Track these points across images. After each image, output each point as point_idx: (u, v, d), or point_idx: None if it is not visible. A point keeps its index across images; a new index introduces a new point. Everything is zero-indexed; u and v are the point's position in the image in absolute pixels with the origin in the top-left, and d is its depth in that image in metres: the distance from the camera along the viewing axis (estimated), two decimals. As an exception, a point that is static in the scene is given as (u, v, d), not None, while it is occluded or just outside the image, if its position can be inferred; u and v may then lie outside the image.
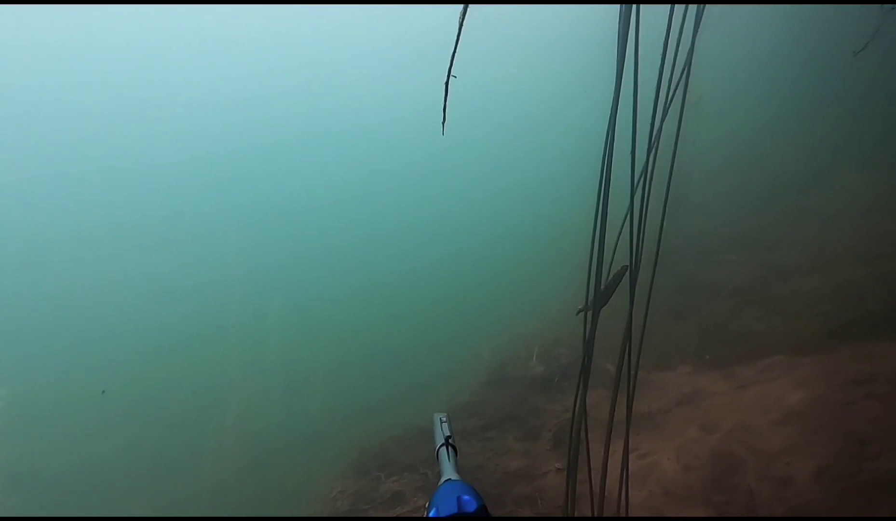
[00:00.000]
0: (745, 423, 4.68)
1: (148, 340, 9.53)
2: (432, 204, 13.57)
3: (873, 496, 3.45)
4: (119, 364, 9.00)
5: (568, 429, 3.26)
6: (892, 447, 3.62)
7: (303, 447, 6.68)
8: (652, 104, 2.91)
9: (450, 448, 1.44)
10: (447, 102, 1.57)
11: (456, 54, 1.45)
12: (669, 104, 2.86)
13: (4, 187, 11.92)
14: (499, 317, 8.64)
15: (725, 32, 9.17)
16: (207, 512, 5.74)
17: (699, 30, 2.81)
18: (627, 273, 2.97)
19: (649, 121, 2.90)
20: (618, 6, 2.57)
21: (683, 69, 2.87)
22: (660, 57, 2.76)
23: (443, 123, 1.63)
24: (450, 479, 1.28)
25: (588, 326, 3.13)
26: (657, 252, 3.13)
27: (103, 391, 7.08)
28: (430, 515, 1.13)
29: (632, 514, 3.69)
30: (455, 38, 1.42)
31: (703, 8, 2.71)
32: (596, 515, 3.39)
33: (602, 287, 3.00)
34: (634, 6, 2.37)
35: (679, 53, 2.86)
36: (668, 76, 2.88)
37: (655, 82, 2.79)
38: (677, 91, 2.91)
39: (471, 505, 1.12)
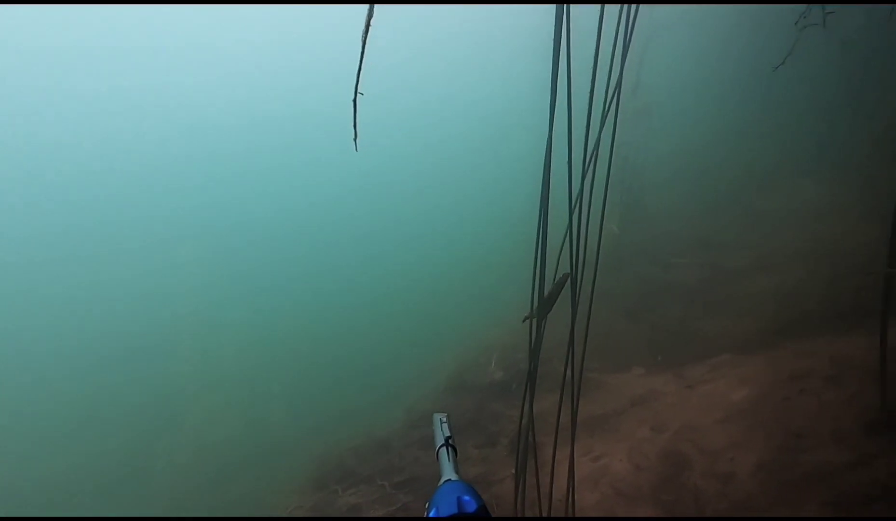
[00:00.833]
0: (693, 422, 4.84)
1: (100, 351, 9.21)
2: (390, 216, 13.62)
3: (807, 487, 3.61)
4: (70, 377, 8.68)
5: (528, 434, 3.31)
6: (823, 441, 3.81)
7: (261, 459, 6.55)
8: (595, 116, 2.99)
9: (450, 448, 1.43)
10: (357, 120, 1.58)
11: (361, 72, 1.47)
12: (605, 118, 2.96)
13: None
14: (459, 325, 8.68)
15: (671, 43, 9.54)
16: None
17: (632, 42, 2.91)
18: (569, 281, 3.03)
19: (591, 133, 2.99)
20: (552, 25, 2.64)
21: (617, 83, 2.97)
22: (594, 67, 2.84)
23: (354, 139, 1.65)
24: (450, 479, 1.27)
25: (534, 333, 3.19)
26: (597, 258, 3.21)
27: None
28: (431, 515, 1.12)
29: (579, 515, 3.76)
30: (359, 56, 1.44)
31: (633, 26, 2.82)
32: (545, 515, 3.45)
33: (545, 294, 3.06)
34: (565, 24, 2.44)
35: (613, 69, 2.96)
36: (604, 87, 2.98)
37: (588, 98, 2.87)
38: (614, 100, 3.01)
39: (471, 505, 1.12)
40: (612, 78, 2.99)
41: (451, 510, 1.11)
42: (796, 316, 5.98)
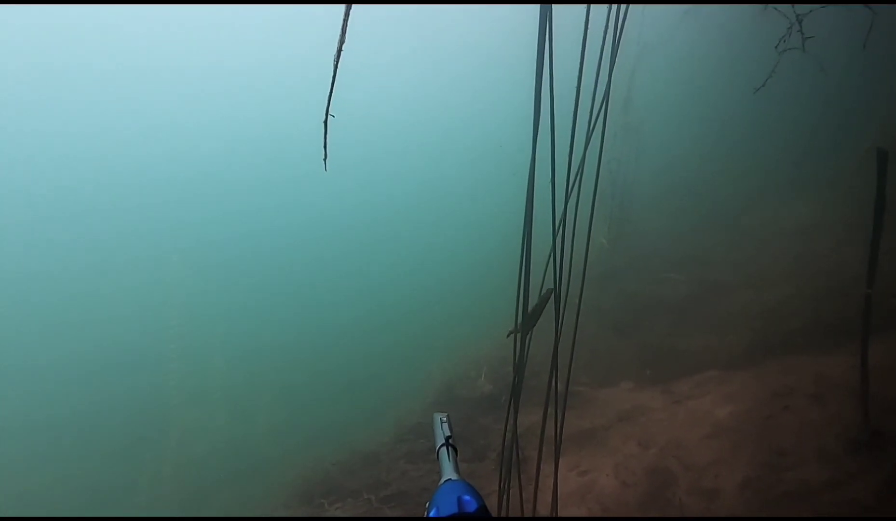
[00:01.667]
0: (679, 438, 4.85)
1: (85, 364, 9.09)
2: (379, 228, 13.64)
3: (789, 505, 3.63)
4: (55, 389, 8.56)
5: (512, 449, 3.31)
6: (805, 458, 3.84)
7: (246, 474, 6.47)
8: (581, 132, 3.04)
9: (450, 448, 1.43)
10: (327, 141, 1.61)
11: (333, 94, 1.50)
12: (590, 138, 3.01)
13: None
14: (448, 338, 8.67)
15: (662, 64, 9.71)
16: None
17: (616, 60, 2.97)
18: (552, 296, 3.06)
19: (577, 149, 3.03)
20: (535, 40, 2.68)
21: (602, 101, 3.02)
22: (578, 84, 2.88)
23: (324, 159, 1.67)
24: (450, 479, 1.27)
25: (518, 348, 3.21)
26: (583, 272, 3.24)
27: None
28: (431, 515, 1.12)
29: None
30: (331, 77, 1.47)
31: (618, 44, 2.87)
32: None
33: (529, 310, 3.08)
34: (548, 44, 2.48)
35: (598, 87, 3.02)
36: (589, 104, 3.03)
37: (574, 108, 2.91)
38: (599, 118, 3.05)
39: (471, 505, 1.11)
40: (598, 90, 3.03)
41: (451, 509, 1.10)
42: (781, 334, 6.04)
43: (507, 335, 3.27)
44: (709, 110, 10.03)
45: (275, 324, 10.25)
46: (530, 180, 2.71)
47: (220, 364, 9.02)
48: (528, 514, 3.34)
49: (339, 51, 1.41)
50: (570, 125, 2.74)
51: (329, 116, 1.54)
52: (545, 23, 2.45)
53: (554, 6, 2.46)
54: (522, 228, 2.96)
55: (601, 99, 3.02)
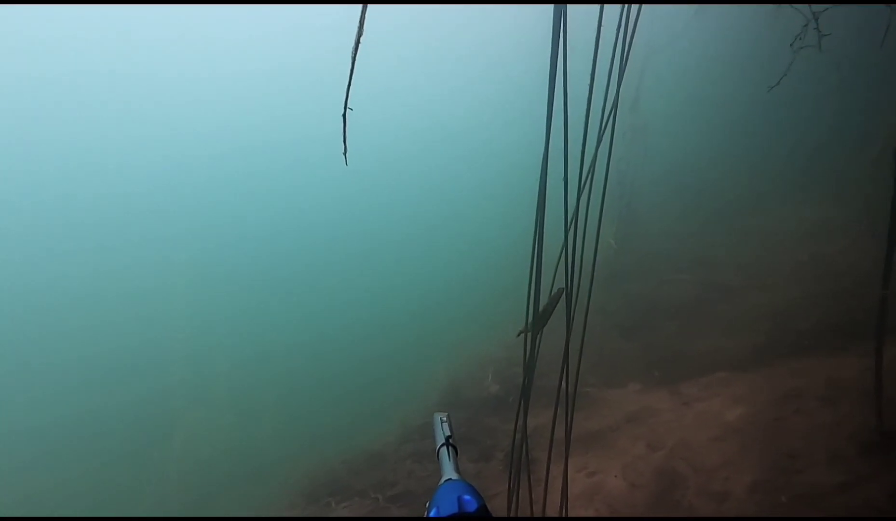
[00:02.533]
0: (687, 440, 4.82)
1: (90, 366, 9.11)
2: (385, 230, 13.61)
3: (800, 508, 3.60)
4: (60, 392, 8.57)
5: (521, 449, 3.29)
6: (816, 461, 3.80)
7: (252, 475, 6.47)
8: (592, 132, 3.03)
9: (450, 448, 1.43)
10: (346, 134, 1.60)
11: (351, 87, 1.50)
12: (602, 137, 2.99)
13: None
14: (454, 339, 8.65)
15: (670, 63, 9.66)
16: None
17: (628, 61, 2.95)
18: (564, 296, 3.05)
19: (588, 148, 3.02)
20: (550, 37, 2.67)
21: (614, 102, 3.00)
22: (591, 84, 2.87)
23: (344, 153, 1.67)
24: (450, 479, 1.27)
25: (528, 348, 3.19)
26: (592, 273, 3.22)
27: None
28: (431, 514, 1.12)
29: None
30: (349, 72, 1.47)
31: (630, 45, 2.86)
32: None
33: (540, 309, 3.07)
34: (562, 39, 2.47)
35: (610, 87, 3.00)
36: (601, 105, 3.01)
37: (587, 109, 2.90)
38: (610, 118, 3.04)
39: (471, 505, 1.11)
40: (609, 89, 3.02)
41: (451, 509, 1.11)
42: (791, 335, 5.99)
43: (518, 335, 3.26)
44: (718, 110, 9.96)
45: (281, 325, 10.24)
46: (542, 177, 2.70)
47: (226, 366, 9.03)
48: (537, 514, 3.32)
49: (357, 44, 1.40)
50: (584, 122, 2.72)
51: (347, 110, 1.54)
52: (559, 22, 2.44)
53: (568, 6, 2.45)
54: (534, 226, 2.95)
55: (612, 98, 3.01)
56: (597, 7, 2.66)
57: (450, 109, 15.69)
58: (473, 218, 13.29)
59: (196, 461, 7.03)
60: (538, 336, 3.21)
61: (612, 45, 2.88)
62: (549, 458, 3.25)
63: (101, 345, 9.64)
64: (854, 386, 4.23)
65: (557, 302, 3.14)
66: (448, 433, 1.49)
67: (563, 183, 2.81)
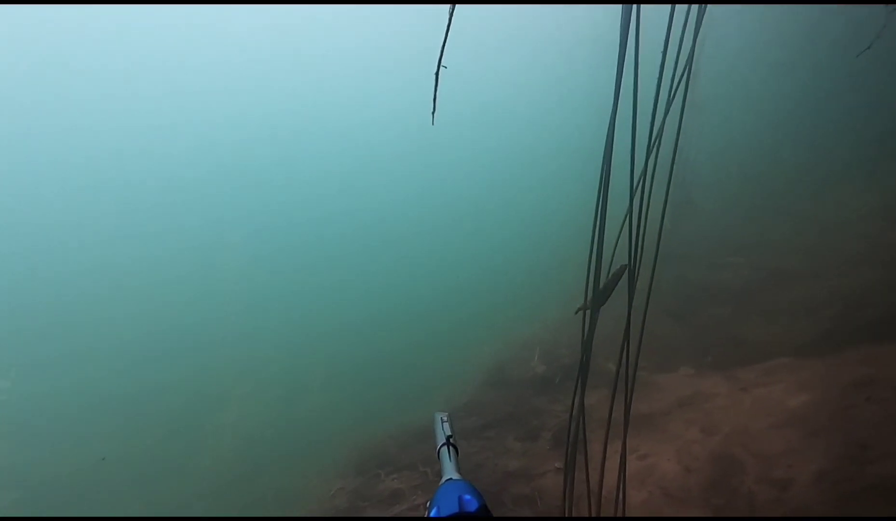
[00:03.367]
0: (746, 426, 4.67)
1: (146, 344, 9.50)
2: (430, 207, 13.57)
3: (872, 500, 3.43)
4: (117, 368, 8.96)
5: (577, 429, 3.25)
6: (892, 452, 3.61)
7: (302, 448, 6.67)
8: (653, 104, 2.91)
9: (451, 448, 1.44)
10: (437, 93, 1.57)
11: (446, 46, 1.46)
12: (671, 104, 2.86)
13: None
14: (500, 319, 8.63)
15: (732, 36, 9.17)
16: (207, 513, 5.72)
17: (700, 30, 2.81)
18: (626, 272, 2.96)
19: (650, 121, 2.90)
20: (619, 6, 2.57)
21: (685, 70, 2.87)
22: (660, 58, 2.76)
23: (433, 112, 1.64)
24: (451, 478, 1.28)
25: (587, 325, 3.13)
26: (656, 253, 3.12)
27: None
28: (432, 514, 1.13)
29: (629, 514, 3.68)
30: (446, 27, 1.43)
31: (704, 8, 2.72)
32: (594, 515, 3.39)
33: (601, 286, 2.99)
34: (635, 6, 2.37)
35: (681, 54, 2.86)
36: (670, 77, 2.88)
37: (656, 83, 2.78)
38: (678, 92, 2.91)
39: (472, 505, 1.12)
40: (676, 70, 2.89)
41: (452, 509, 1.11)
42: (860, 322, 5.70)
43: (576, 312, 3.20)
44: (781, 86, 9.42)
45: (329, 307, 10.43)
46: (608, 140, 2.60)
47: (278, 343, 9.28)
48: (594, 494, 3.29)
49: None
50: (656, 83, 2.62)
51: (441, 68, 1.51)
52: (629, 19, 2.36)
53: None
54: (596, 200, 2.86)
55: (683, 67, 2.87)
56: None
57: (507, 71, 15.23)
58: (522, 204, 13.12)
59: (248, 436, 7.29)
60: (597, 314, 3.14)
61: (685, 13, 2.75)
62: (607, 437, 3.20)
63: (156, 325, 10.04)
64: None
65: (619, 279, 3.06)
66: (449, 433, 1.49)
67: (629, 154, 2.71)
